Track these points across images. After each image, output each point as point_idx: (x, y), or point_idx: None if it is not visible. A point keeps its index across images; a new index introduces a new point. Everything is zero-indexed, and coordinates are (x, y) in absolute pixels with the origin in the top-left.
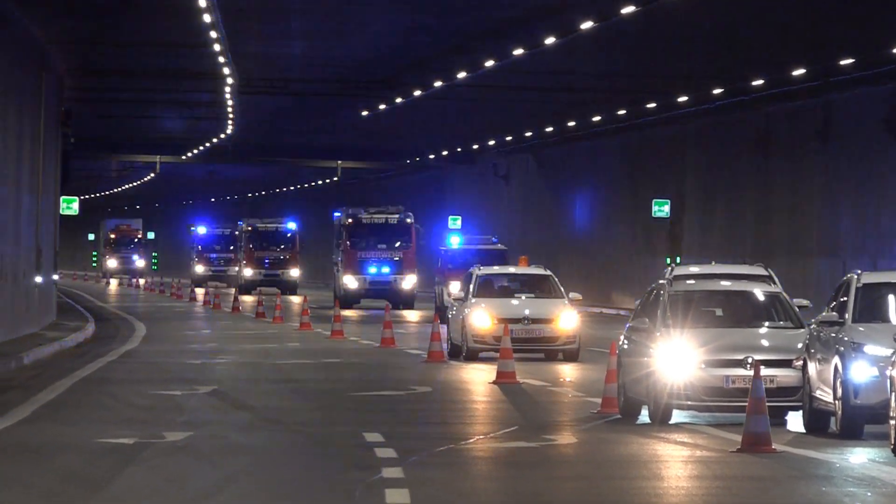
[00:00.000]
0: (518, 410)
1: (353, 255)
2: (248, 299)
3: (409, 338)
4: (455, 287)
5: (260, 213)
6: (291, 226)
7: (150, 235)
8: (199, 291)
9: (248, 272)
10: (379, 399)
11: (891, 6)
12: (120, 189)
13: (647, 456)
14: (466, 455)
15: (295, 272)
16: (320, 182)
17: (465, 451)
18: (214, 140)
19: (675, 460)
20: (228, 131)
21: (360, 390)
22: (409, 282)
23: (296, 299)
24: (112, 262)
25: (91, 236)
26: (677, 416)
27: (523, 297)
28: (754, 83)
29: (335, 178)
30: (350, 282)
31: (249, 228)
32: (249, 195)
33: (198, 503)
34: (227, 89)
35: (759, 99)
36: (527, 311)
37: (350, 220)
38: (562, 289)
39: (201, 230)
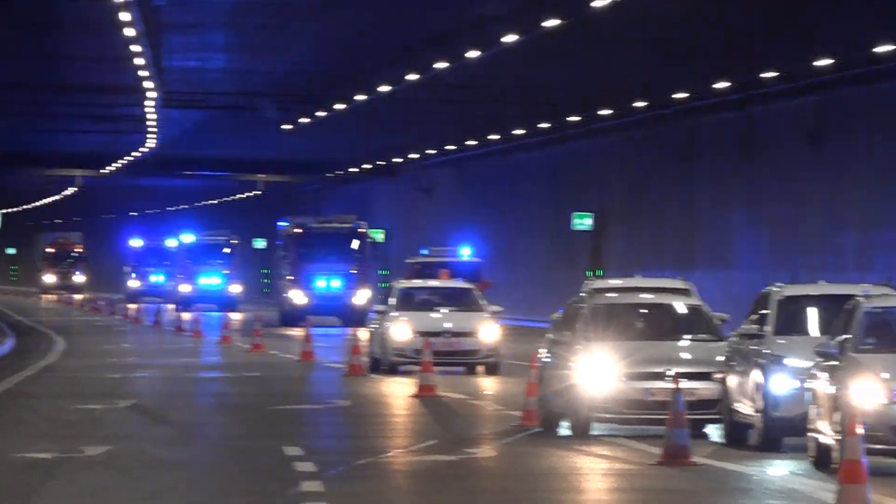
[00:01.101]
0: (438, 424)
1: (299, 268)
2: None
3: (330, 351)
4: None
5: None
6: (232, 240)
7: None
8: (133, 307)
9: (183, 288)
10: (299, 413)
11: (811, 21)
12: (40, 203)
13: (567, 469)
14: (386, 469)
15: (235, 288)
16: (242, 196)
17: (384, 464)
18: (136, 154)
19: (595, 473)
20: (151, 145)
21: (280, 404)
22: (361, 297)
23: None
24: (49, 278)
25: (12, 250)
26: (598, 429)
27: (444, 311)
28: (677, 96)
29: (257, 192)
30: (297, 297)
31: (187, 241)
32: (170, 208)
33: None
34: (150, 103)
35: (681, 112)
36: (447, 325)
37: (297, 231)
38: (483, 302)
39: (136, 244)
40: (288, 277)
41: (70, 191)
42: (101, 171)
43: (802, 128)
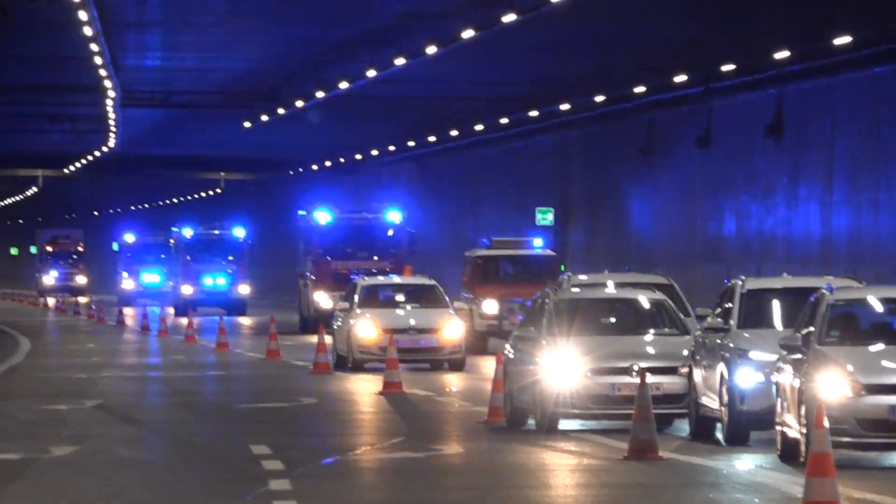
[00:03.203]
0: (405, 421)
1: (327, 265)
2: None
3: (296, 349)
4: (488, 305)
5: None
6: (239, 233)
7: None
8: (129, 312)
9: (185, 290)
10: (265, 411)
11: (769, 13)
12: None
13: (534, 465)
14: (353, 466)
15: (244, 289)
16: (203, 194)
17: (351, 462)
18: (97, 153)
19: (562, 469)
20: (111, 144)
21: (247, 402)
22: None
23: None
24: (49, 279)
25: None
26: (564, 425)
27: (408, 307)
28: (637, 90)
29: (218, 190)
30: (322, 299)
31: (187, 236)
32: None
33: None
34: (109, 102)
35: (641, 106)
36: (412, 321)
37: (323, 220)
38: (447, 298)
39: (129, 239)
40: (311, 277)
41: (31, 191)
42: (63, 170)
43: (762, 120)
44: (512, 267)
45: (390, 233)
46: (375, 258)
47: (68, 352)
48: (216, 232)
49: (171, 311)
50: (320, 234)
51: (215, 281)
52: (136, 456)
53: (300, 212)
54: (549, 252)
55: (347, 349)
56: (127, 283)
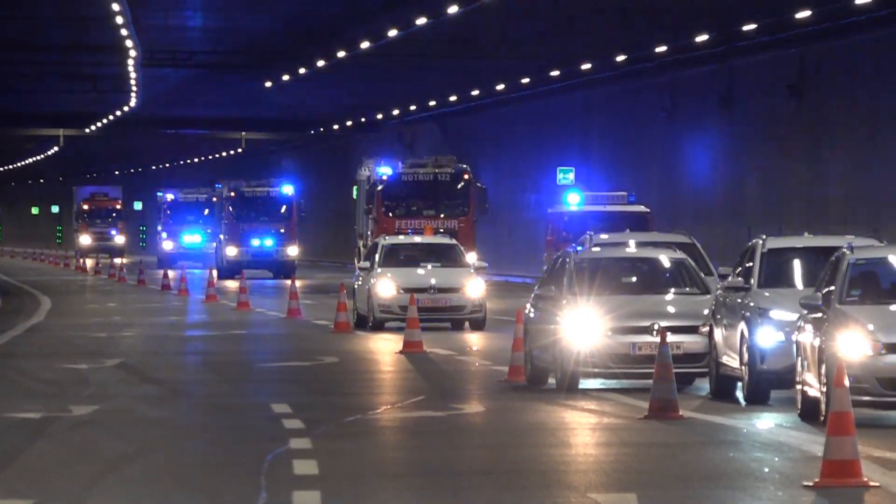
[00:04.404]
0: (425, 380)
1: (391, 223)
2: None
3: (316, 308)
4: None
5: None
6: (288, 190)
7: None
8: (172, 275)
9: (230, 251)
10: (286, 370)
11: None
12: (23, 163)
13: (554, 423)
14: (374, 425)
15: (292, 250)
16: (224, 154)
17: (372, 421)
18: (118, 113)
19: (582, 427)
20: (132, 104)
21: (268, 362)
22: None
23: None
24: (86, 239)
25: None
26: (584, 384)
27: (429, 267)
28: (658, 50)
29: (239, 150)
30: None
31: (233, 194)
32: (154, 167)
33: (107, 476)
34: (131, 62)
35: (663, 65)
36: (433, 281)
37: (385, 178)
38: (467, 258)
39: (169, 197)
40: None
41: (52, 150)
42: (85, 130)
43: (784, 80)
44: (601, 224)
45: (459, 187)
46: (442, 216)
47: (88, 311)
48: (264, 189)
49: (215, 273)
50: (383, 189)
51: (262, 242)
52: (157, 415)
53: (362, 169)
54: (641, 208)
55: (368, 308)
56: (167, 244)
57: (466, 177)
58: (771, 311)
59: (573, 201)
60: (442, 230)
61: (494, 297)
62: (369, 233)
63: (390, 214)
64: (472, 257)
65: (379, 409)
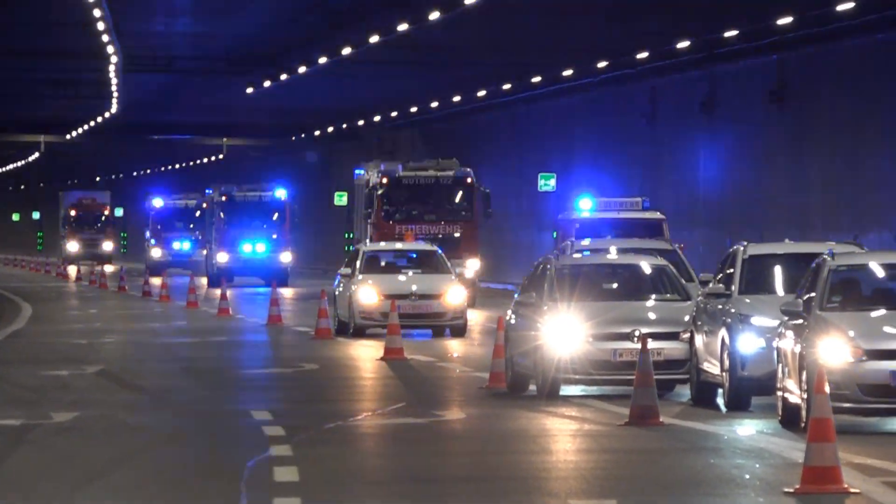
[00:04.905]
0: (406, 386)
1: (390, 228)
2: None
3: (297, 315)
4: None
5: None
6: (281, 194)
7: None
8: (156, 282)
9: (221, 258)
10: (267, 377)
11: None
12: (4, 170)
13: (535, 430)
14: (355, 432)
15: (286, 257)
16: (205, 160)
17: (353, 427)
18: (99, 119)
19: (563, 434)
20: (113, 110)
21: (248, 368)
22: (470, 267)
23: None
24: (73, 245)
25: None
26: (565, 390)
27: (410, 273)
28: (640, 56)
29: (220, 156)
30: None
31: (224, 199)
32: (134, 174)
33: (90, 482)
34: (112, 68)
35: (644, 72)
36: (414, 287)
37: (386, 179)
38: (449, 264)
39: (157, 203)
40: (373, 237)
41: (33, 156)
42: (66, 136)
43: (765, 86)
44: (613, 231)
45: (461, 191)
46: (443, 222)
47: (70, 317)
48: (256, 193)
49: (204, 281)
50: (381, 193)
51: (254, 248)
52: (138, 422)
53: (358, 170)
54: (657, 214)
55: (349, 315)
56: (155, 251)
57: (469, 180)
58: (752, 317)
59: (585, 207)
60: (441, 235)
61: (476, 304)
62: (368, 239)
63: (390, 221)
64: (474, 264)
65: (360, 415)
